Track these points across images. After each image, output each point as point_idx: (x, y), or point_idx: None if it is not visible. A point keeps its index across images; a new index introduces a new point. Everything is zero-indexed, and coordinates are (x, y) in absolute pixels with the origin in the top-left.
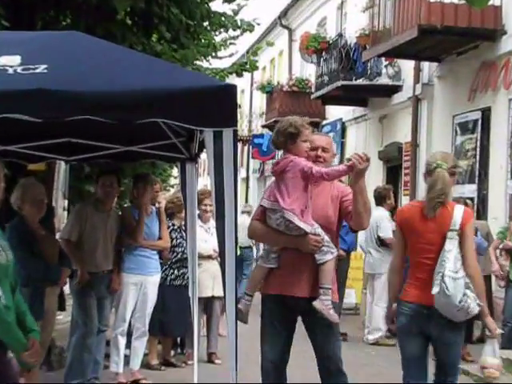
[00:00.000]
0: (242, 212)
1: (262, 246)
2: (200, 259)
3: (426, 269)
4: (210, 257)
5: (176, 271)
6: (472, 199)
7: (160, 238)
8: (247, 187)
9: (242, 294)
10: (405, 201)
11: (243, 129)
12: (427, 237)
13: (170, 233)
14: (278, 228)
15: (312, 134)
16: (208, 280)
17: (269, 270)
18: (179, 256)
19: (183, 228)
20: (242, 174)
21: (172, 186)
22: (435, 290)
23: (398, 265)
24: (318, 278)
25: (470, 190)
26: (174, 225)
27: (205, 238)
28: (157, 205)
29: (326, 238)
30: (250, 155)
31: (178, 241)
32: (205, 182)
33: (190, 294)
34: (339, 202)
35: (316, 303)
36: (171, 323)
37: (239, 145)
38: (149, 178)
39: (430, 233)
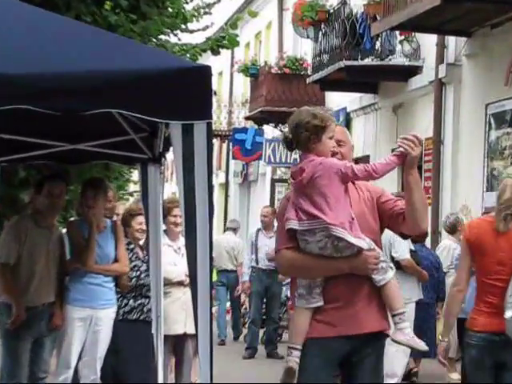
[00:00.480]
0: (227, 229)
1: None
2: (168, 287)
3: (497, 292)
4: (180, 283)
5: (132, 302)
6: None
7: (116, 261)
8: (227, 195)
9: (285, 348)
10: None
11: (221, 121)
12: (498, 256)
13: None
14: (323, 252)
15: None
16: (178, 313)
17: (313, 309)
18: (133, 283)
19: (139, 245)
20: (219, 178)
21: (131, 194)
22: (508, 314)
23: (462, 288)
24: (381, 305)
25: None
26: (129, 243)
27: (174, 260)
28: (114, 217)
29: (380, 251)
30: (231, 155)
31: (134, 263)
32: (173, 188)
33: (154, 331)
34: (376, 205)
35: (397, 335)
36: (126, 370)
37: (216, 142)
38: (101, 184)
39: (502, 252)
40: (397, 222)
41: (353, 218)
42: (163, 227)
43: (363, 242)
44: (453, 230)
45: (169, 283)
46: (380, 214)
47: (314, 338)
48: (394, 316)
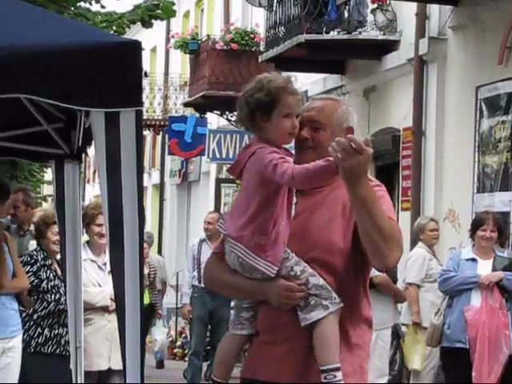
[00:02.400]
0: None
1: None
2: (89, 313)
3: None
4: (105, 309)
5: (46, 331)
6: (506, 214)
7: (14, 276)
8: (162, 199)
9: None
10: (404, 217)
11: (154, 109)
12: None
13: (38, 271)
14: (236, 268)
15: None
16: (102, 345)
17: (246, 339)
18: (52, 307)
19: (56, 261)
20: (153, 178)
21: (45, 199)
22: None
23: None
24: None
25: (502, 200)
26: (46, 258)
27: (97, 279)
28: (31, 227)
29: (316, 282)
30: (166, 150)
31: (52, 283)
32: (96, 191)
33: (72, 367)
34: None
35: None
36: None
37: (148, 134)
38: (4, 188)
39: None
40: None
41: (271, 232)
42: (85, 238)
43: (272, 267)
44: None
45: (90, 308)
46: (355, 233)
47: (243, 377)
48: (321, 372)
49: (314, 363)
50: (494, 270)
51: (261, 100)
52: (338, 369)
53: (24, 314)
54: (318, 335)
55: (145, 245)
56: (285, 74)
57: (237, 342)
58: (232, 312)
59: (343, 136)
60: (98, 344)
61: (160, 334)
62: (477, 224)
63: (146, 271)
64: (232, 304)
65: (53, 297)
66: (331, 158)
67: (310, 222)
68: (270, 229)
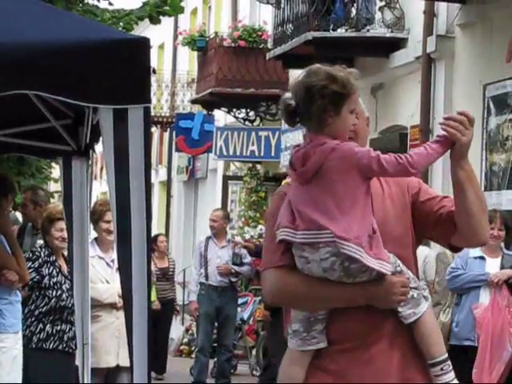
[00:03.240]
0: None
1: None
2: (97, 309)
3: None
4: (113, 306)
5: (49, 327)
6: None
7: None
8: (169, 196)
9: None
10: None
11: (162, 105)
12: None
13: (40, 267)
14: (329, 275)
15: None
16: (110, 342)
17: (313, 352)
18: (53, 304)
19: (63, 257)
20: (160, 175)
21: (52, 195)
22: None
23: None
24: (412, 349)
25: (509, 199)
26: (50, 254)
27: (105, 276)
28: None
29: (411, 274)
30: (174, 146)
31: (55, 279)
32: (103, 187)
33: (79, 363)
34: (412, 206)
35: None
36: None
37: (156, 130)
38: (9, 182)
39: None
40: (444, 230)
41: (374, 231)
42: (93, 235)
43: (386, 265)
44: None
45: (98, 305)
46: (418, 218)
47: None
48: (432, 366)
49: (398, 361)
50: (502, 268)
51: (337, 93)
52: (447, 360)
53: (26, 310)
54: (425, 328)
55: (163, 238)
56: (292, 71)
57: (308, 358)
58: (296, 326)
59: (367, 125)
60: (106, 341)
61: (177, 331)
62: None
63: (165, 265)
64: (241, 301)
65: (54, 293)
66: (439, 137)
67: (377, 218)
68: (372, 227)
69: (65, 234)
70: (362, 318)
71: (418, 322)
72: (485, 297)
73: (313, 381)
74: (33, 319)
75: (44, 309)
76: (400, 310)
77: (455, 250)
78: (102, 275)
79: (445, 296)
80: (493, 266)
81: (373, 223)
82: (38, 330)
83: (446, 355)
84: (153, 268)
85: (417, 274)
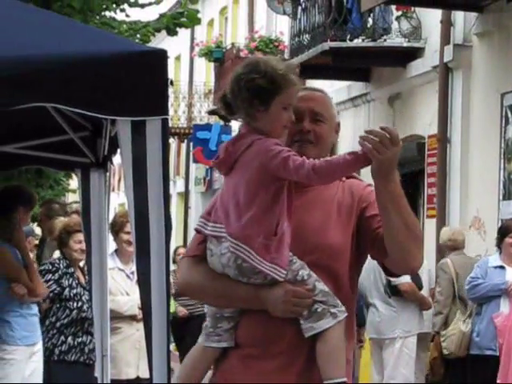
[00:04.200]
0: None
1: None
2: (117, 321)
3: None
4: (133, 318)
5: (70, 339)
6: None
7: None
8: (187, 207)
9: None
10: (429, 225)
11: (179, 117)
12: None
13: (60, 279)
14: (227, 272)
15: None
16: (130, 353)
17: (219, 352)
18: (74, 315)
19: (80, 269)
20: (178, 186)
21: (69, 206)
22: None
23: None
24: (314, 366)
25: None
26: (68, 266)
27: (125, 288)
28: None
29: (322, 287)
30: (191, 157)
31: (75, 291)
32: (121, 199)
33: (98, 375)
34: (357, 217)
35: None
36: None
37: (173, 142)
38: (26, 194)
39: None
40: (378, 252)
41: (276, 232)
42: (113, 246)
43: (279, 270)
44: None
45: (119, 317)
46: (360, 234)
47: None
48: None
49: (311, 378)
50: None
51: (263, 87)
52: (344, 383)
53: (47, 322)
54: (324, 346)
55: (183, 250)
56: (309, 81)
57: (209, 355)
58: (207, 321)
59: (335, 132)
60: (127, 352)
61: None
62: (504, 231)
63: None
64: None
65: (75, 304)
66: (357, 151)
67: (304, 223)
68: (275, 229)
69: (83, 246)
70: (265, 324)
71: (320, 338)
72: (506, 306)
73: (208, 381)
74: (54, 331)
75: (65, 320)
76: (301, 321)
77: (390, 274)
78: (122, 287)
79: (446, 306)
80: None
81: (279, 225)
82: (59, 343)
83: (341, 380)
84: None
85: (349, 288)
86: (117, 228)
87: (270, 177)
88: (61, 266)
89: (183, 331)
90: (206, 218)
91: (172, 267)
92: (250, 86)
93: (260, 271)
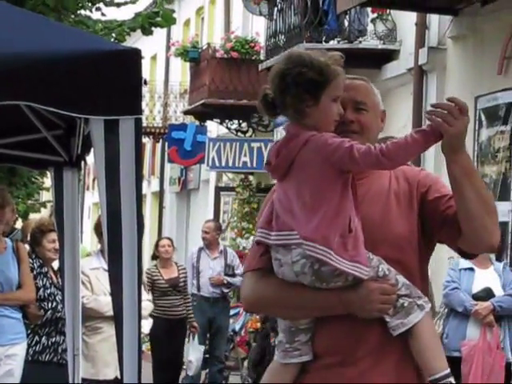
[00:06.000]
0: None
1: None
2: (98, 321)
3: None
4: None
5: (44, 339)
6: (505, 224)
7: (20, 287)
8: (161, 206)
9: None
10: None
11: (154, 116)
12: None
13: (35, 279)
14: (301, 280)
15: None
16: (110, 354)
17: (299, 367)
18: (49, 315)
19: (52, 269)
20: (153, 186)
21: (44, 205)
22: None
23: None
24: (407, 363)
25: (501, 210)
26: (41, 265)
27: (108, 289)
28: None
29: (403, 280)
30: (166, 157)
31: (48, 291)
32: (95, 198)
33: (70, 375)
34: (419, 203)
35: None
36: None
37: (148, 141)
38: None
39: None
40: (450, 233)
41: (351, 230)
42: (98, 247)
43: (362, 268)
44: None
45: (100, 317)
46: (425, 219)
47: None
48: (434, 381)
49: (401, 377)
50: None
51: (313, 79)
52: (450, 375)
53: (29, 323)
54: (420, 341)
55: (166, 241)
56: None
57: (291, 372)
58: (280, 336)
59: (381, 120)
60: (106, 353)
61: (195, 353)
62: None
63: (173, 275)
64: (232, 313)
65: (50, 305)
66: (424, 128)
67: (364, 217)
68: (349, 226)
69: (57, 246)
70: (345, 329)
71: (412, 333)
72: (474, 330)
73: None
74: (29, 332)
75: (40, 321)
76: (388, 320)
77: (465, 255)
78: (105, 287)
79: None
80: (482, 277)
81: (351, 221)
82: (34, 343)
83: (447, 371)
84: (160, 280)
85: (421, 281)
86: (101, 229)
87: (335, 171)
88: (35, 265)
89: (168, 339)
90: (266, 228)
91: (153, 262)
92: (298, 80)
93: (341, 272)
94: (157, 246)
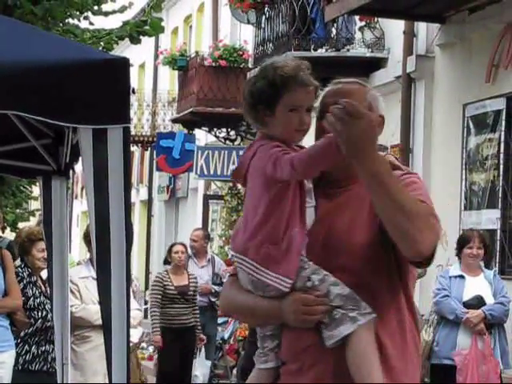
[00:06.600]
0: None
1: None
2: (87, 330)
3: None
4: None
5: (34, 348)
6: (493, 232)
7: (6, 294)
8: (150, 215)
9: None
10: None
11: (143, 125)
12: None
13: (24, 288)
14: (249, 288)
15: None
16: (99, 363)
17: (275, 372)
18: (39, 325)
19: (41, 278)
20: (141, 194)
21: (32, 213)
22: None
23: None
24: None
25: (489, 218)
26: (30, 274)
27: (97, 298)
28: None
29: (338, 291)
30: (154, 166)
31: (38, 300)
32: (84, 207)
33: (59, 382)
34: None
35: None
36: None
37: (136, 150)
38: None
39: None
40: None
41: (282, 239)
42: (88, 256)
43: (284, 280)
44: None
45: (89, 326)
46: (383, 228)
47: None
48: None
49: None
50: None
51: (263, 91)
52: None
53: (17, 331)
54: (353, 353)
55: (180, 247)
56: None
57: (265, 377)
58: (258, 343)
59: (378, 125)
60: (95, 362)
61: (202, 367)
62: (463, 242)
63: (183, 282)
64: (221, 321)
65: (39, 314)
66: (331, 135)
67: (332, 227)
68: (281, 236)
69: (46, 255)
70: (303, 336)
71: (347, 345)
72: (465, 338)
73: None
74: (18, 341)
75: (30, 330)
76: (322, 330)
77: (414, 264)
78: (94, 296)
79: None
80: (473, 285)
81: (288, 231)
82: (23, 352)
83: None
84: (170, 286)
85: (389, 294)
86: (90, 238)
87: (269, 182)
88: (24, 274)
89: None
90: (232, 237)
91: (166, 267)
92: (252, 90)
93: (267, 284)
94: (170, 251)
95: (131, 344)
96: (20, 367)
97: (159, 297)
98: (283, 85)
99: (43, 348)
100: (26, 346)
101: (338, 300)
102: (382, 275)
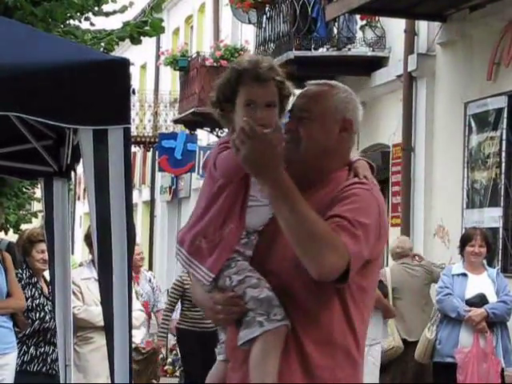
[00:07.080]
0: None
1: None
2: (90, 331)
3: None
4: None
5: (33, 349)
6: (496, 230)
7: (9, 295)
8: (152, 215)
9: None
10: (393, 234)
11: (145, 125)
12: None
13: (23, 289)
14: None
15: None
16: (101, 364)
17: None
18: (36, 326)
19: (43, 279)
20: (143, 195)
21: (35, 215)
22: None
23: None
24: (295, 367)
25: (491, 216)
26: (31, 276)
27: (100, 299)
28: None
29: (254, 294)
30: (157, 166)
31: (37, 301)
32: (86, 208)
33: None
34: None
35: None
36: None
37: (138, 150)
38: None
39: None
40: None
41: (213, 235)
42: (90, 257)
43: (206, 272)
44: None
45: (91, 327)
46: None
47: None
48: None
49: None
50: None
51: (221, 86)
52: None
53: (19, 331)
54: (253, 357)
55: None
56: None
57: (222, 368)
58: None
59: (342, 129)
60: (97, 363)
61: None
62: (465, 240)
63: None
64: None
65: (37, 315)
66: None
67: (280, 229)
68: (214, 231)
69: (46, 256)
70: (232, 334)
71: (251, 348)
72: (467, 336)
73: None
74: (17, 342)
75: (28, 331)
76: (240, 331)
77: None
78: (96, 297)
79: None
80: (475, 283)
81: (223, 227)
82: (22, 353)
83: None
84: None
85: (314, 298)
86: (91, 239)
87: (213, 177)
88: (24, 276)
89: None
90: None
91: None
92: (215, 87)
93: (192, 274)
94: None
95: (133, 345)
96: (18, 368)
97: (175, 301)
98: (238, 79)
99: (42, 349)
100: (25, 347)
101: (252, 303)
102: (317, 283)
